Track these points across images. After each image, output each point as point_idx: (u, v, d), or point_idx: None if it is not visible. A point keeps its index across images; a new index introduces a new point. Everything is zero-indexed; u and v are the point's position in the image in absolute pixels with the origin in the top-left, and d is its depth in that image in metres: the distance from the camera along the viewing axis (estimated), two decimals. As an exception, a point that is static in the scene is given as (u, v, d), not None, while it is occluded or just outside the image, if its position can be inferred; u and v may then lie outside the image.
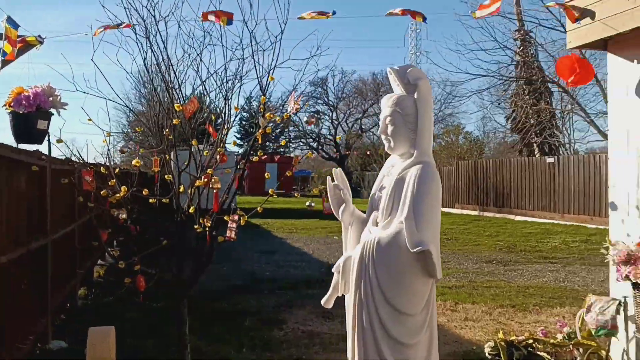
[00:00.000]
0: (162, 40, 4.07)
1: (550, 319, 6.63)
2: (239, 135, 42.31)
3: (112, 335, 4.04)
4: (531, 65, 21.85)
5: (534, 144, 24.08)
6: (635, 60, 4.38)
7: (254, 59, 4.11)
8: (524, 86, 23.41)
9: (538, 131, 23.38)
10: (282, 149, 45.71)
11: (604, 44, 4.63)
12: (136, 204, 4.18)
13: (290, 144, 45.60)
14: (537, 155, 23.36)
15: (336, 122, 42.63)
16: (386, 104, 3.17)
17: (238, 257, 11.38)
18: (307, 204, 5.39)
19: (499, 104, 26.10)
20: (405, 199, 2.93)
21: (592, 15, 4.38)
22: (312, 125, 42.94)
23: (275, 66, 4.05)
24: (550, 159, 20.10)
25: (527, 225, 18.16)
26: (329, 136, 43.29)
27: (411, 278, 2.94)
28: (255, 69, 4.13)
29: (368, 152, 25.40)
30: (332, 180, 3.39)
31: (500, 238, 15.00)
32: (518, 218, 20.68)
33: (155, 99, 4.53)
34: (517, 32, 21.58)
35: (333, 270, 3.26)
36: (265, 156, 4.35)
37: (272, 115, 4.14)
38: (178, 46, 4.21)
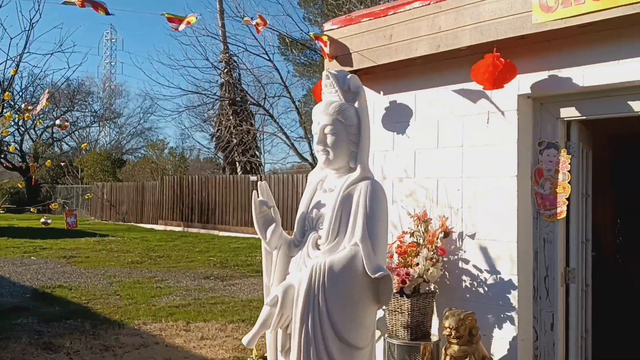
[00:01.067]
0: None
1: (282, 331, 6.88)
2: None
3: None
4: (236, 87, 22.88)
5: (237, 163, 25.12)
6: (382, 92, 4.87)
7: None
8: (228, 107, 24.33)
9: (241, 150, 24.48)
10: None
11: (355, 73, 5.03)
12: None
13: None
14: (239, 174, 24.40)
15: (23, 129, 38.16)
16: (325, 112, 2.80)
17: None
18: (43, 220, 4.68)
19: (204, 121, 26.64)
20: (357, 219, 2.66)
21: (347, 58, 4.72)
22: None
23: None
24: (253, 177, 21.18)
25: (233, 241, 18.76)
26: (13, 143, 38.52)
27: (364, 308, 2.65)
28: None
29: (63, 163, 23.31)
30: (258, 195, 2.89)
31: (211, 254, 15.17)
32: (222, 234, 21.24)
33: None
34: (222, 54, 22.44)
35: (267, 303, 2.75)
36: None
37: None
38: None
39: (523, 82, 3.95)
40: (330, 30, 4.92)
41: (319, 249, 2.73)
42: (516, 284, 4.00)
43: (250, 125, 23.45)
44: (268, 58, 20.45)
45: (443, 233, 4.33)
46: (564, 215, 3.97)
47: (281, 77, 20.51)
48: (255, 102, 21.19)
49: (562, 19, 3.49)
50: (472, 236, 4.24)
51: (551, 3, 3.52)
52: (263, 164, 27.16)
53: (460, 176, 4.32)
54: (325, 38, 4.92)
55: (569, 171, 3.94)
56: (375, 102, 4.90)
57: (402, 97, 4.74)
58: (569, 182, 3.93)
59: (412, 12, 4.30)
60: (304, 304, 2.56)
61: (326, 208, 2.77)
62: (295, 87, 21.48)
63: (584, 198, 4.13)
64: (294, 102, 21.07)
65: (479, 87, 3.99)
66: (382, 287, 2.58)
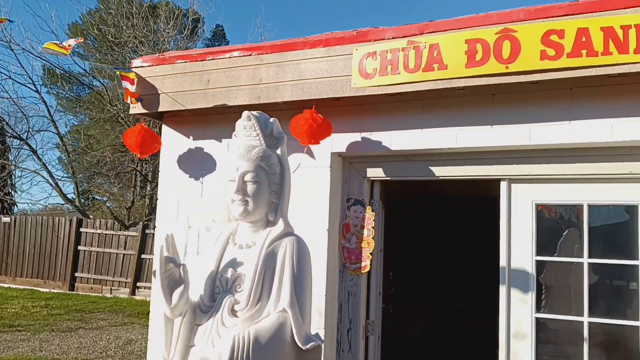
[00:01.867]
0: None
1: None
2: None
3: None
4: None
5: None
6: (191, 137, 4.70)
7: None
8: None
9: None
10: None
11: (160, 116, 4.80)
12: None
13: None
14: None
15: None
16: (246, 156, 2.45)
17: None
18: None
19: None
20: (283, 281, 2.29)
21: (154, 99, 4.49)
22: None
23: None
24: (6, 218, 18.79)
25: (-29, 290, 16.26)
26: None
27: (292, 385, 2.17)
28: None
29: None
30: (163, 250, 2.37)
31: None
32: (-41, 282, 18.29)
33: None
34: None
35: None
36: None
37: None
38: None
39: (337, 141, 4.13)
40: (140, 67, 4.64)
41: (236, 316, 2.32)
42: (323, 337, 4.05)
43: (6, 160, 20.95)
44: (35, 89, 18.69)
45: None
46: (367, 269, 4.17)
47: (48, 111, 18.83)
48: (17, 135, 19.05)
49: (378, 85, 3.75)
50: (281, 289, 4.22)
51: (370, 70, 3.77)
52: (23, 203, 24.31)
53: (272, 228, 4.30)
54: (132, 75, 4.62)
55: (372, 227, 4.17)
56: (183, 146, 4.71)
57: (211, 145, 4.63)
58: (372, 238, 4.16)
59: (232, 60, 4.26)
60: None
61: (245, 267, 2.39)
62: (58, 122, 19.78)
63: (380, 253, 4.40)
64: (61, 139, 19.41)
65: (296, 141, 4.07)
66: (310, 358, 2.34)
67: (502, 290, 3.83)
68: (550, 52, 3.26)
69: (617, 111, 3.37)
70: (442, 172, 4.01)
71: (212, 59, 4.34)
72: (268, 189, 2.43)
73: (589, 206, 3.65)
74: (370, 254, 4.16)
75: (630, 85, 3.30)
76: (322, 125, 3.92)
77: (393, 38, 3.73)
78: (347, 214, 4.25)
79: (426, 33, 3.63)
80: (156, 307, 2.48)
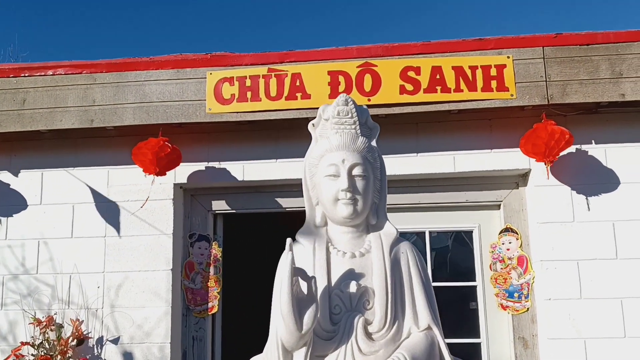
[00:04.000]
0: None
1: None
2: None
3: None
4: None
5: None
6: (-9, 167, 3.93)
7: None
8: None
9: None
10: None
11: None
12: None
13: None
14: None
15: None
16: (351, 146, 1.98)
17: None
18: None
19: None
20: (416, 293, 1.87)
21: None
22: None
23: None
24: None
25: None
26: None
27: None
28: None
29: None
30: (292, 259, 1.72)
31: None
32: None
33: None
34: None
35: None
36: None
37: None
38: None
39: (180, 171, 3.81)
40: None
41: (372, 339, 1.84)
42: (167, 391, 3.61)
43: None
44: None
45: (76, 340, 3.62)
46: (215, 309, 3.86)
47: None
48: None
49: (237, 112, 3.57)
50: (116, 341, 3.67)
51: (227, 95, 3.58)
52: None
53: (102, 270, 3.75)
54: None
55: (220, 265, 3.90)
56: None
57: (23, 176, 3.92)
58: (220, 276, 3.88)
59: (56, 79, 3.69)
60: None
61: (367, 280, 1.90)
62: None
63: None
64: None
65: (139, 170, 3.65)
66: None
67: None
68: (409, 87, 3.47)
69: (460, 143, 3.69)
70: (294, 203, 3.93)
71: (29, 76, 3.70)
72: (373, 186, 2.02)
73: (430, 233, 3.91)
74: (218, 293, 3.86)
75: (471, 121, 3.65)
76: (171, 154, 3.59)
77: (252, 64, 3.61)
78: (190, 251, 3.90)
79: (287, 62, 3.59)
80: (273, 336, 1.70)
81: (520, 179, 3.77)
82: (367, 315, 1.81)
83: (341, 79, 3.51)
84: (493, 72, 3.44)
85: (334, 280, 1.85)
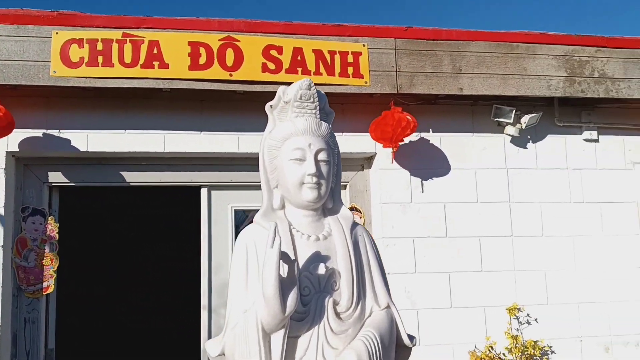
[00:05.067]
0: None
1: None
2: None
3: None
4: None
5: None
6: None
7: None
8: None
9: None
10: None
11: None
12: None
13: None
14: None
15: None
16: (316, 132, 1.97)
17: None
18: None
19: None
20: (373, 274, 1.97)
21: None
22: None
23: None
24: None
25: None
26: None
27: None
28: None
29: None
30: (276, 237, 1.70)
31: None
32: None
33: None
34: None
35: None
36: None
37: None
38: None
39: (13, 138, 3.44)
40: None
41: (340, 319, 1.83)
42: (-3, 378, 3.28)
43: None
44: None
45: None
46: (51, 289, 3.57)
47: None
48: None
49: (87, 77, 3.31)
50: None
51: (75, 58, 3.30)
52: None
53: None
54: None
55: (57, 241, 3.61)
56: None
57: None
58: (57, 253, 3.59)
59: None
60: None
61: (335, 262, 1.89)
62: None
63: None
64: None
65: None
66: (406, 356, 2.02)
67: (203, 294, 3.82)
68: (271, 65, 3.49)
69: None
70: (140, 178, 3.76)
71: None
72: (332, 171, 2.00)
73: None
74: (54, 272, 3.58)
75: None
76: (2, 119, 3.22)
77: (104, 27, 3.36)
78: (22, 227, 3.56)
79: (144, 28, 3.40)
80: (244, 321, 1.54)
81: (366, 161, 4.01)
82: (335, 296, 1.87)
83: (202, 50, 3.42)
84: (350, 58, 3.60)
85: (300, 263, 1.87)
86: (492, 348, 3.71)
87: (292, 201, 1.97)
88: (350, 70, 3.59)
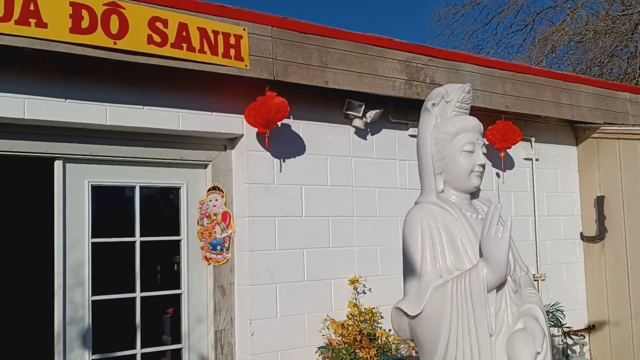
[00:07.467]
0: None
1: None
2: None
3: None
4: None
5: None
6: None
7: None
8: None
9: None
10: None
11: None
12: None
13: None
14: None
15: None
16: (479, 130, 2.39)
17: None
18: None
19: None
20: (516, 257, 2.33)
21: None
22: None
23: None
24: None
25: None
26: None
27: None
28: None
29: None
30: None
31: None
32: None
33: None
34: None
35: None
36: None
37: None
38: None
39: None
40: None
41: (513, 280, 2.25)
42: None
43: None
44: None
45: None
46: None
47: None
48: None
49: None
50: None
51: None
52: None
53: None
54: None
55: None
56: None
57: None
58: None
59: None
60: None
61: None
62: None
63: None
64: None
65: None
66: None
67: (58, 275, 3.55)
68: (157, 38, 3.39)
69: (185, 103, 3.79)
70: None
71: None
72: None
73: (141, 187, 3.89)
74: None
75: (202, 83, 3.78)
76: None
77: (-32, -30, 2.92)
78: None
79: (17, -22, 3.03)
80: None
81: (229, 142, 4.10)
82: (519, 278, 2.30)
83: (85, 13, 3.17)
84: (232, 40, 3.66)
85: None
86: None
87: (456, 186, 2.35)
88: (232, 52, 3.65)
